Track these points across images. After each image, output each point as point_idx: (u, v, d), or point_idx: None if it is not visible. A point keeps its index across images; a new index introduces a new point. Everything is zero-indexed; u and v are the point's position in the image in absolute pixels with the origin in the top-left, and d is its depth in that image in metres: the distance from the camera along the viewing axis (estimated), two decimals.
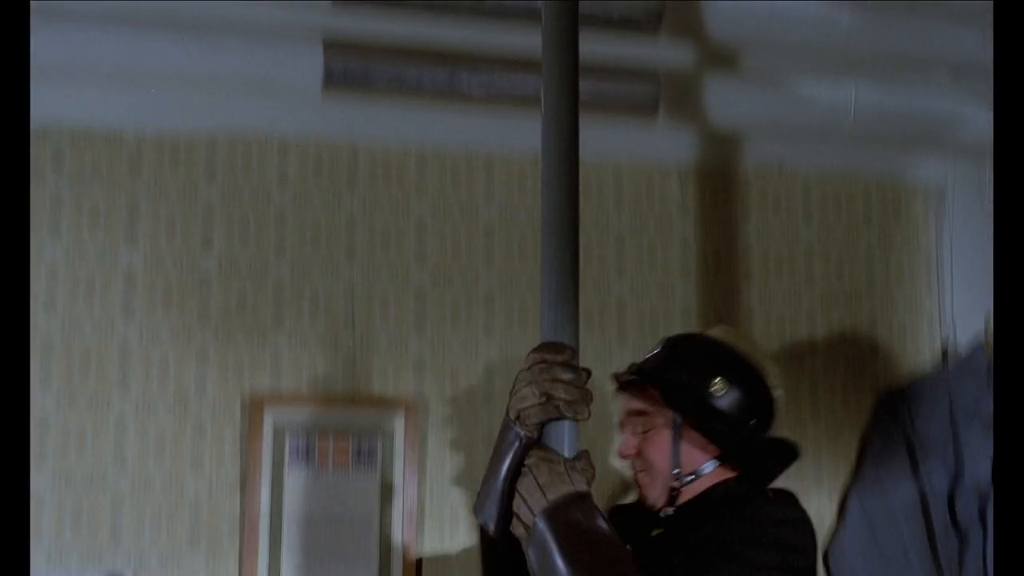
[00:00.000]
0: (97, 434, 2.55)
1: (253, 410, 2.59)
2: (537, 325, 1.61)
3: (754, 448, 1.95)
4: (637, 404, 1.98)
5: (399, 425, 2.64)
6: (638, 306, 2.81)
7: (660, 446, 1.94)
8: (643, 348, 2.16)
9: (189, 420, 2.59)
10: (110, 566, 2.51)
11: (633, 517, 2.00)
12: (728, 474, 1.94)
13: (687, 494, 1.93)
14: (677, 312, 2.82)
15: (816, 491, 2.78)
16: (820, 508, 2.77)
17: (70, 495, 2.52)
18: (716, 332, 2.08)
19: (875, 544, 2.72)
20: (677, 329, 2.64)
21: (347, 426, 2.62)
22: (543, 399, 1.54)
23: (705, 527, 1.84)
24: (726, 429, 1.92)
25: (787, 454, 1.99)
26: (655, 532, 1.94)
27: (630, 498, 2.25)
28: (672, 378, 1.95)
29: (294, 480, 2.59)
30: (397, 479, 2.61)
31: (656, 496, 1.95)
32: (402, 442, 2.63)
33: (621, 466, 2.34)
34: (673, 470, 1.91)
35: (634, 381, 2.00)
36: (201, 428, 2.59)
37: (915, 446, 2.75)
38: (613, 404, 2.17)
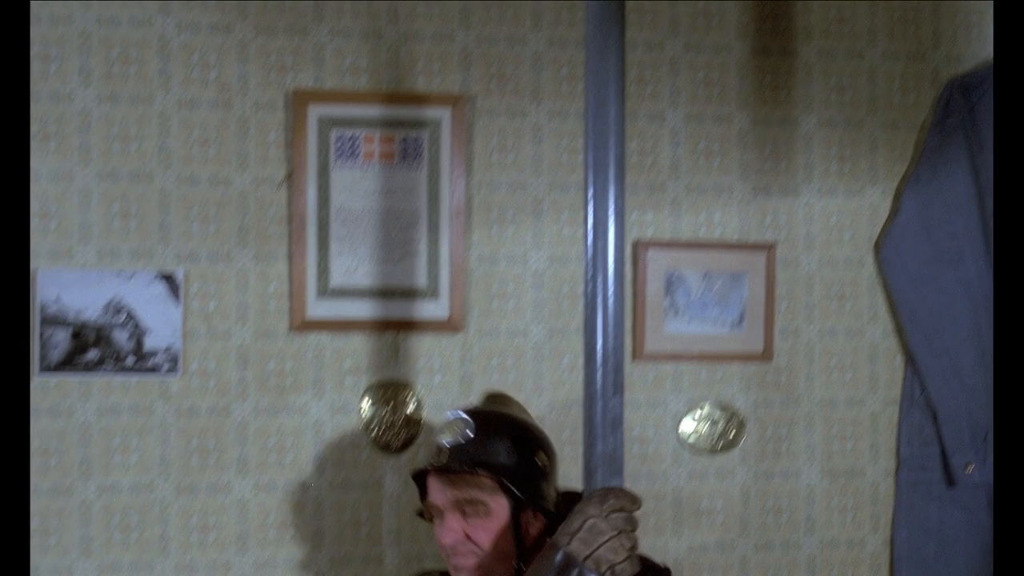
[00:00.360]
0: (141, 131, 2.51)
1: (297, 106, 2.53)
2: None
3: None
4: (472, 493, 1.88)
5: (446, 119, 2.58)
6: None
7: (499, 531, 1.89)
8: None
9: (232, 116, 2.54)
10: (160, 265, 2.51)
11: None
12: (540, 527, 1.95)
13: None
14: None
15: (871, 187, 2.74)
16: (874, 202, 2.74)
17: (117, 192, 2.50)
18: (495, 405, 2.05)
19: (928, 239, 2.69)
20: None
21: (393, 121, 2.57)
22: (632, 552, 1.63)
23: None
24: (552, 499, 1.94)
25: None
26: None
27: None
28: (508, 465, 1.88)
29: (340, 176, 2.56)
30: (444, 174, 2.58)
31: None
32: (449, 136, 2.58)
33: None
34: (516, 551, 1.88)
35: (457, 469, 1.89)
36: (245, 125, 2.54)
37: (973, 142, 2.69)
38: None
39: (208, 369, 2.53)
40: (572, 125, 2.63)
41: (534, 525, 1.91)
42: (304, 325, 2.54)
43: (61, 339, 2.47)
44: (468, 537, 1.89)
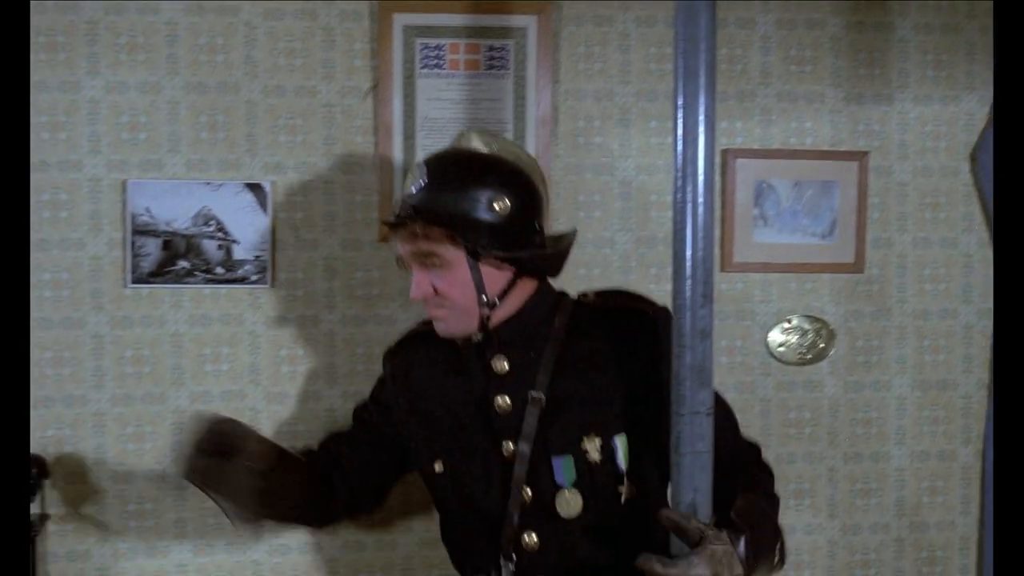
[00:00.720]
0: (227, 42, 2.51)
1: (382, 15, 2.51)
2: None
3: (545, 249, 1.91)
4: (423, 245, 1.84)
5: (532, 27, 2.54)
6: None
7: (458, 281, 1.85)
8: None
9: (318, 26, 2.52)
10: (248, 175, 2.52)
11: (434, 351, 2.00)
12: (531, 281, 1.92)
13: (498, 316, 1.89)
14: None
15: (967, 94, 2.67)
16: (970, 110, 2.68)
17: (205, 104, 2.51)
18: (467, 142, 1.94)
19: None
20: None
21: (478, 29, 2.54)
22: None
23: (580, 344, 1.88)
24: (519, 246, 1.86)
25: (567, 239, 1.98)
26: (497, 364, 1.91)
27: None
28: (455, 213, 1.82)
29: (425, 85, 2.54)
30: (529, 83, 2.55)
31: (463, 327, 1.89)
32: (535, 44, 2.55)
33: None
34: (481, 299, 1.86)
35: (398, 222, 1.87)
36: (330, 34, 2.53)
37: None
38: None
39: (296, 279, 2.54)
40: (660, 32, 2.58)
41: (497, 272, 1.87)
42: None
43: (152, 249, 2.50)
44: (435, 289, 1.87)
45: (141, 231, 2.49)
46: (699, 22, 1.62)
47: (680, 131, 1.63)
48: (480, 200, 1.83)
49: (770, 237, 2.61)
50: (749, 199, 2.60)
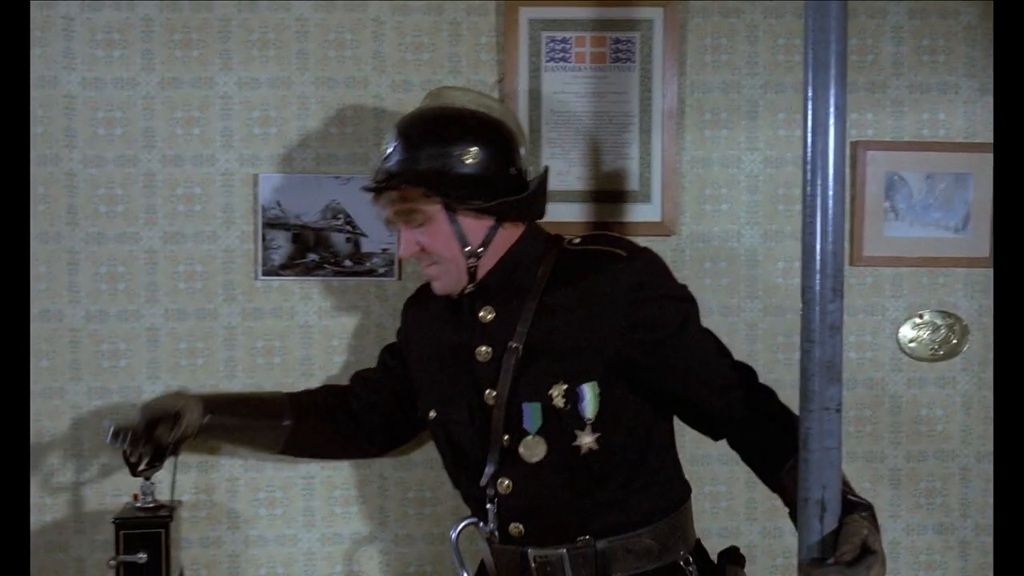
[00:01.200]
0: (355, 37, 2.54)
1: (508, 9, 2.52)
2: None
3: (522, 192, 1.98)
4: (401, 206, 1.96)
5: (658, 19, 2.53)
6: None
7: (441, 234, 1.95)
8: None
9: (444, 21, 2.54)
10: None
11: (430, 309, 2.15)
12: (515, 228, 2.01)
13: (485, 265, 1.97)
14: None
15: None
16: None
17: (333, 98, 2.54)
18: (435, 100, 2.04)
19: None
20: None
21: (604, 22, 2.53)
22: None
23: (567, 288, 1.95)
24: (494, 194, 1.93)
25: (542, 178, 2.05)
26: (483, 315, 1.99)
27: None
28: (426, 170, 1.92)
29: (551, 79, 2.54)
30: (656, 75, 2.54)
31: (455, 280, 1.99)
32: (661, 37, 2.53)
33: None
34: (464, 250, 1.96)
35: (372, 188, 2.00)
36: (456, 29, 2.54)
37: None
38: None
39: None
40: (789, 23, 2.55)
41: (476, 222, 1.96)
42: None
43: (282, 242, 2.54)
44: (422, 247, 1.97)
45: (272, 224, 2.53)
46: (830, 12, 1.61)
47: (810, 123, 1.62)
48: (450, 154, 1.93)
49: (901, 231, 2.57)
50: (880, 192, 2.56)
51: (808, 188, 1.63)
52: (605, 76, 2.54)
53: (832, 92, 1.61)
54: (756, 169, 2.58)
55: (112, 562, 2.25)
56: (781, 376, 2.45)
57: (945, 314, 2.59)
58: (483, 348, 2.00)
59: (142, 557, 2.25)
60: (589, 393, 1.92)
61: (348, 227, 2.54)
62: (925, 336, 2.58)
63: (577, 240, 2.05)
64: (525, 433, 1.94)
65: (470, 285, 2.01)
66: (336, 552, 2.56)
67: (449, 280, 2.01)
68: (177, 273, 2.53)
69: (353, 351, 2.56)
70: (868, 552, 1.57)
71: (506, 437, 1.96)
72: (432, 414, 2.10)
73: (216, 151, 2.52)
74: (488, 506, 1.99)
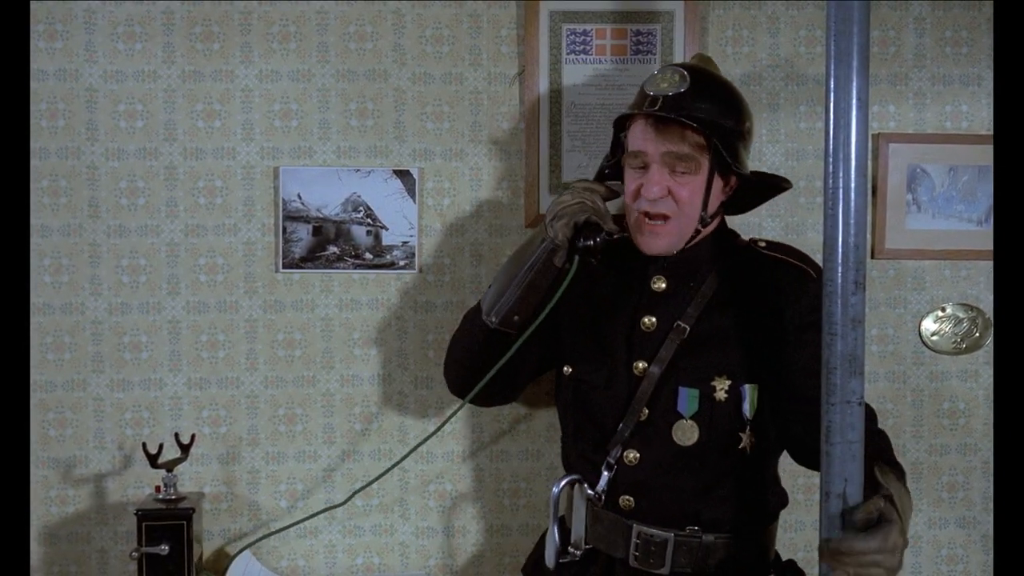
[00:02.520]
0: (376, 29, 2.53)
1: (528, 1, 2.52)
2: None
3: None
4: (682, 145, 1.91)
5: (678, 11, 2.52)
6: None
7: (697, 189, 1.92)
8: None
9: (465, 12, 2.54)
10: (396, 162, 2.55)
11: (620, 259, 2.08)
12: (720, 212, 2.04)
13: (702, 235, 1.99)
14: None
15: None
16: None
17: (354, 91, 2.54)
18: (703, 63, 2.07)
19: None
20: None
21: (625, 14, 2.53)
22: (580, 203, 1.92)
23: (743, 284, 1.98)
24: (747, 166, 1.98)
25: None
26: (656, 284, 1.99)
27: None
28: (720, 124, 1.91)
29: (572, 71, 2.54)
30: None
31: (678, 239, 1.96)
32: (682, 29, 2.53)
33: None
34: (701, 212, 1.94)
35: (673, 120, 1.92)
36: (477, 21, 2.54)
37: None
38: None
39: (443, 265, 2.56)
40: (810, 14, 2.54)
41: (718, 195, 1.98)
42: (538, 220, 2.54)
43: (303, 235, 2.54)
44: (672, 194, 1.93)
45: (292, 217, 2.53)
46: (852, 4, 1.61)
47: (832, 115, 1.62)
48: (740, 120, 1.96)
49: (923, 223, 2.55)
50: (902, 185, 2.54)
51: (830, 181, 1.63)
52: (626, 68, 2.54)
53: (854, 84, 1.61)
54: (777, 161, 2.57)
55: (134, 553, 2.27)
56: None
57: (968, 307, 2.57)
58: (648, 319, 1.98)
59: (164, 549, 2.27)
60: (749, 393, 1.93)
61: (368, 220, 2.54)
62: (947, 329, 2.57)
63: (763, 244, 2.07)
64: (678, 416, 1.93)
65: (676, 250, 1.98)
66: (357, 545, 2.57)
67: (672, 238, 1.96)
68: (198, 266, 2.53)
69: (373, 344, 2.56)
70: (885, 521, 1.57)
71: (646, 411, 1.95)
72: (567, 370, 2.07)
73: (237, 144, 2.53)
74: (604, 472, 1.97)
